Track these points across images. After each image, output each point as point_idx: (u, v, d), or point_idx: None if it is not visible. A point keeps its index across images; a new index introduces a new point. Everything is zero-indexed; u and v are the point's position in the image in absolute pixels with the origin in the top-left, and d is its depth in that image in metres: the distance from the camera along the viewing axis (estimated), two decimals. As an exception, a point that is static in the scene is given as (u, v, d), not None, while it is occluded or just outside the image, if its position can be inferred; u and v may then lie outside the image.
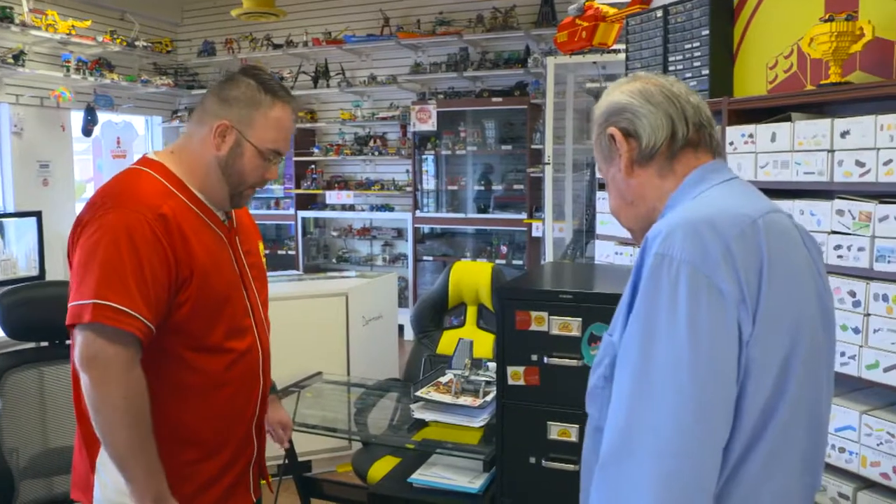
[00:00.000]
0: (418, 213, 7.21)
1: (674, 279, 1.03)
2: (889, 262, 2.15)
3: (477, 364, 2.67)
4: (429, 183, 7.37)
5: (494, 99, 6.85)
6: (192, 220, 1.65)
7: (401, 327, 5.65)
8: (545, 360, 2.05)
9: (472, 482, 2.32)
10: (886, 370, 2.15)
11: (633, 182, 1.26)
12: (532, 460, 2.10)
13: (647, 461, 1.00)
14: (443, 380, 2.68)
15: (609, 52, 4.85)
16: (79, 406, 1.64)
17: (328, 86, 7.59)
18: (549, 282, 2.41)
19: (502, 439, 2.16)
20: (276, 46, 7.76)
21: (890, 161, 2.16)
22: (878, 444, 2.19)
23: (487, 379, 2.55)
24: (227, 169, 1.68)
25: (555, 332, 2.03)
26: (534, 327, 2.06)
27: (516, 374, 2.10)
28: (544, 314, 2.04)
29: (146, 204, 1.56)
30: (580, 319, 2.00)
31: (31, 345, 2.41)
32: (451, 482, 2.32)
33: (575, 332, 2.01)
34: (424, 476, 2.37)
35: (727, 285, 1.01)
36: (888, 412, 2.23)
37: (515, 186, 6.92)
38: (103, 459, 1.61)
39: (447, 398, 2.50)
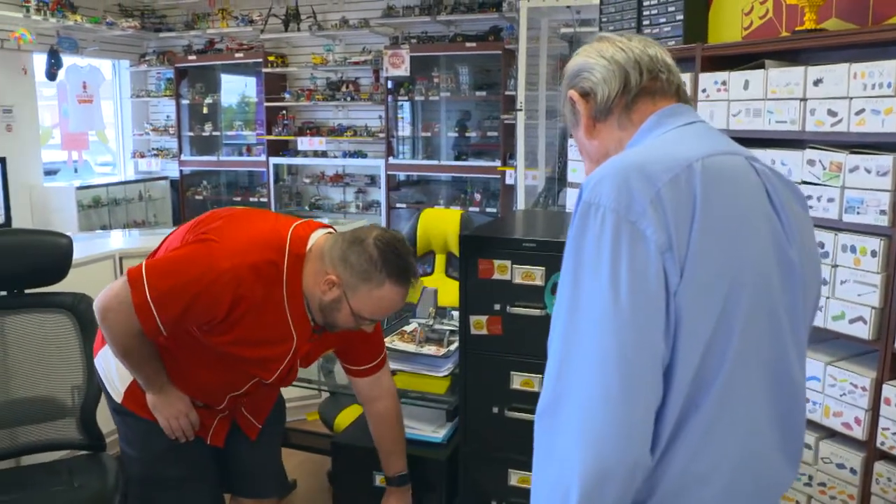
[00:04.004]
0: (392, 160, 7.11)
1: (598, 228, 0.98)
2: (858, 213, 2.13)
3: (441, 313, 2.64)
4: (403, 129, 7.24)
5: (468, 44, 6.70)
6: (273, 313, 1.79)
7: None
8: (508, 309, 2.01)
9: (435, 431, 2.30)
10: (852, 321, 2.15)
11: (596, 142, 1.23)
12: (495, 410, 2.09)
13: (575, 417, 0.96)
14: (407, 329, 2.65)
15: (584, -5, 4.76)
16: None
17: (299, 29, 7.38)
18: (516, 230, 2.36)
19: (465, 389, 2.14)
20: (246, -13, 7.53)
21: (862, 111, 2.12)
22: (841, 395, 2.19)
23: (452, 328, 2.51)
24: (324, 312, 1.83)
25: (518, 281, 2.00)
26: (497, 276, 2.02)
27: (479, 324, 2.07)
28: (507, 263, 2.00)
29: (248, 278, 1.72)
30: (543, 268, 1.96)
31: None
32: (415, 431, 2.30)
33: (538, 282, 1.98)
34: (388, 425, 2.34)
35: (653, 232, 0.96)
36: (852, 363, 2.24)
37: (490, 133, 6.80)
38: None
39: (411, 347, 2.46)
